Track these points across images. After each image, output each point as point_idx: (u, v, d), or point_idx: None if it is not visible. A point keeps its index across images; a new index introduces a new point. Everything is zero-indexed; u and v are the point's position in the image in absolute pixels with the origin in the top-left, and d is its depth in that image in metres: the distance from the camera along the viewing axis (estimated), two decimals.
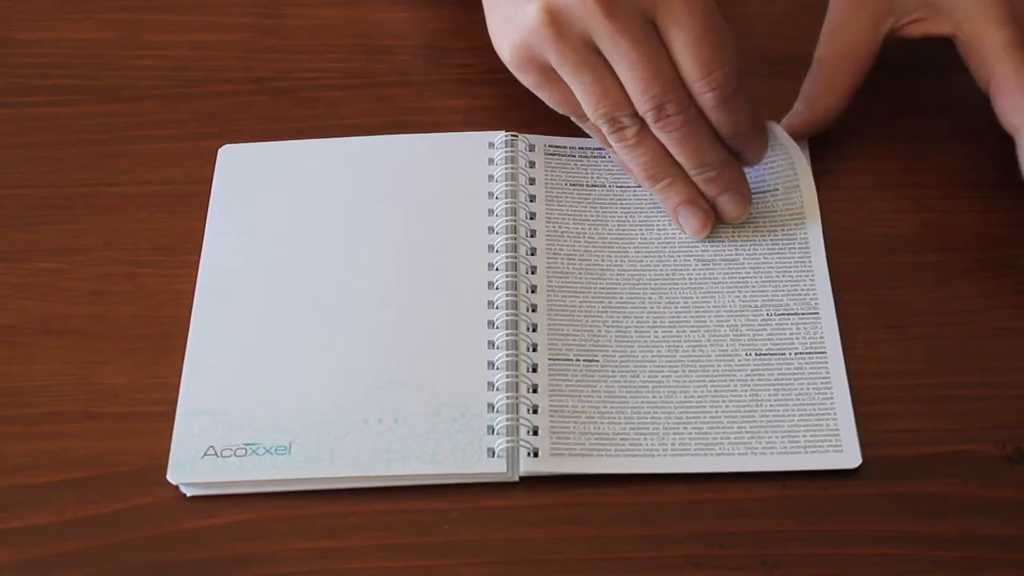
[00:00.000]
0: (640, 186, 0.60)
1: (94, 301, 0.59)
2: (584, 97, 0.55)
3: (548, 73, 0.55)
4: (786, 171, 0.61)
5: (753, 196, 0.59)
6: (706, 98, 0.55)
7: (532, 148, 0.63)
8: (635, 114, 0.55)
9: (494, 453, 0.53)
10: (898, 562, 0.50)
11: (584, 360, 0.56)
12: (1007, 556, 0.51)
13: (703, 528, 0.52)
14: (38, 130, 0.66)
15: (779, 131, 0.61)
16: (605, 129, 0.56)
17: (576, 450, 0.53)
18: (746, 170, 0.59)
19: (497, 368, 0.55)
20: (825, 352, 0.56)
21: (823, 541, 0.51)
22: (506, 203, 0.61)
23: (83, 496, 0.53)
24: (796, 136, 0.62)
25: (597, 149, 0.62)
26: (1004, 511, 0.52)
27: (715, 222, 0.59)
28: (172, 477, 0.53)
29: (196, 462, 0.53)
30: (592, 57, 0.54)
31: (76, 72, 0.68)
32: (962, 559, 0.50)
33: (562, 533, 0.52)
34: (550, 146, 0.63)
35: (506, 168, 0.62)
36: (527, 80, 0.56)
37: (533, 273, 0.59)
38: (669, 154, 0.57)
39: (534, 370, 0.55)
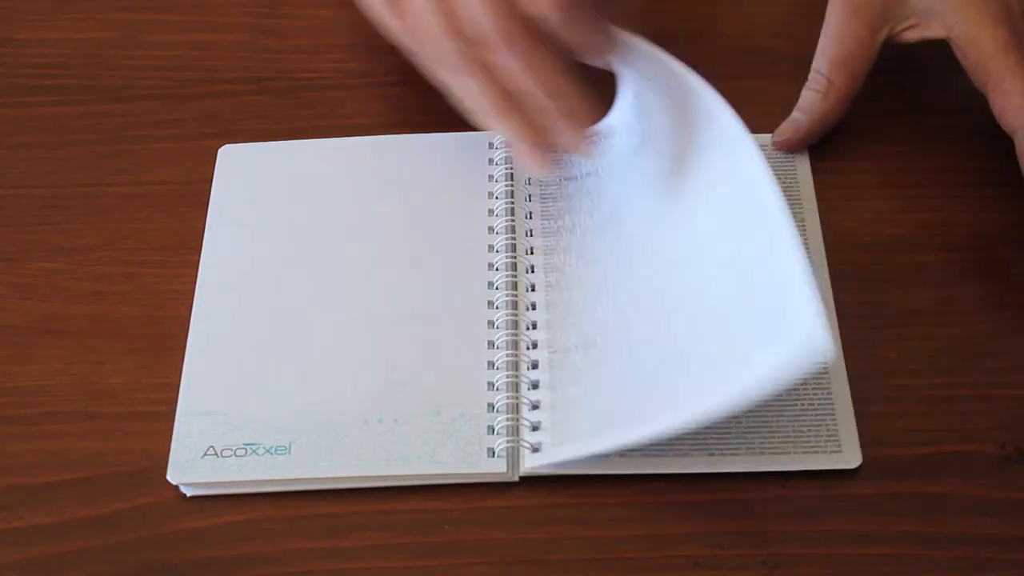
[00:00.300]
0: (629, 163, 0.59)
1: (94, 301, 0.59)
2: (429, 25, 0.53)
3: (395, 4, 0.54)
4: (681, 89, 0.56)
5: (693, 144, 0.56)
6: (549, 16, 0.52)
7: None
8: (481, 45, 0.53)
9: (494, 453, 0.53)
10: (898, 562, 0.50)
11: (582, 345, 0.55)
12: (1007, 556, 0.51)
13: (703, 528, 0.52)
14: (38, 130, 0.66)
15: (641, 43, 0.56)
16: (452, 61, 0.54)
17: (577, 431, 0.52)
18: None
19: (497, 368, 0.55)
20: None
21: (823, 541, 0.51)
22: (506, 203, 0.60)
23: (83, 496, 0.53)
24: (795, 145, 0.62)
25: None
26: (1004, 511, 0.52)
27: (561, 159, 0.57)
28: (172, 477, 0.53)
29: (196, 462, 0.53)
30: None
31: (76, 72, 0.68)
32: (962, 559, 0.51)
33: (562, 533, 0.52)
34: None
35: (506, 168, 0.62)
36: (376, 11, 0.55)
37: (532, 272, 0.59)
38: (512, 93, 0.54)
39: (534, 368, 0.55)
